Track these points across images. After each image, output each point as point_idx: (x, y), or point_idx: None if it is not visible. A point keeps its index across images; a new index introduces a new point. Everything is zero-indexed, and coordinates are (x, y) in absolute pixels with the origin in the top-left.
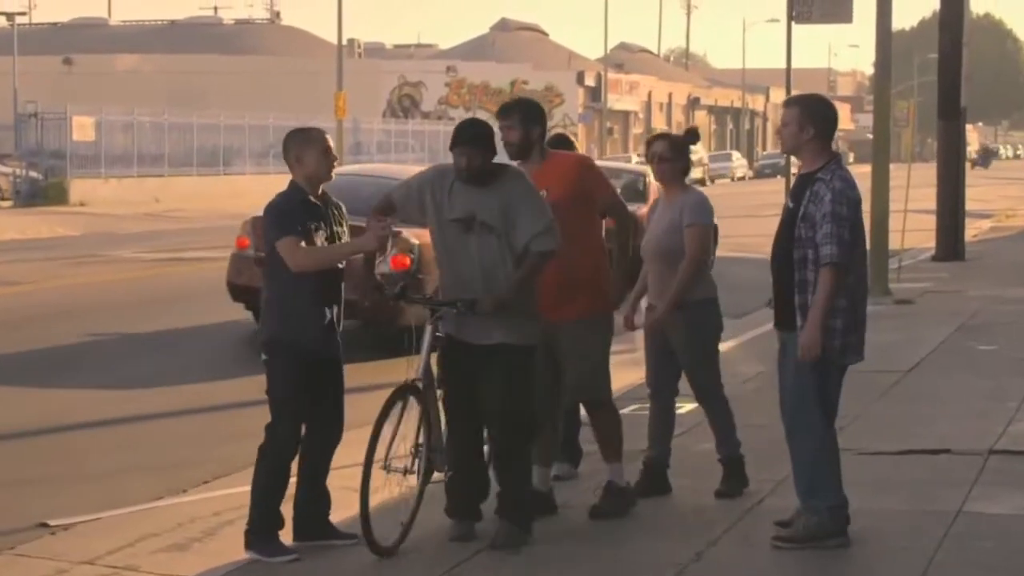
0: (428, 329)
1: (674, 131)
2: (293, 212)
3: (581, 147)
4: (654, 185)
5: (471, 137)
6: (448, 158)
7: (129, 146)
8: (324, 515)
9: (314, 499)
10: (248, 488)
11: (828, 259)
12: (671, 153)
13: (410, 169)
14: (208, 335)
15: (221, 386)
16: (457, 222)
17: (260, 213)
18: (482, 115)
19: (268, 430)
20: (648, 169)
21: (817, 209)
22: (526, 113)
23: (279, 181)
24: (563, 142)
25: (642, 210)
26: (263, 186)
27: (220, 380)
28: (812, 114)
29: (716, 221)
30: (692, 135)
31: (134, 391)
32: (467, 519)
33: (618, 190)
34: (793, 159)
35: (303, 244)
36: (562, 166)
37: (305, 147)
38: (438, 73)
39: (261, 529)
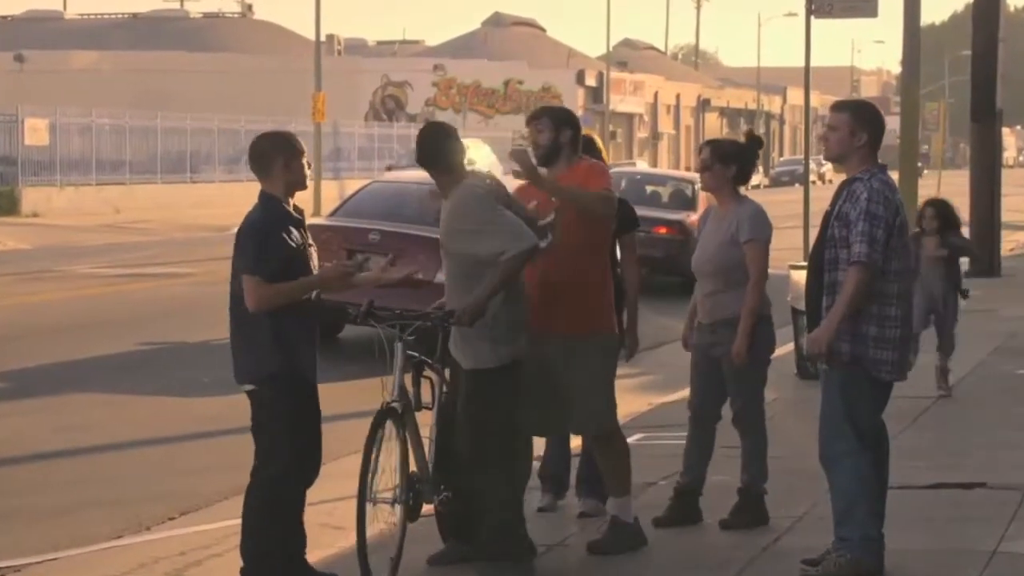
0: (399, 347)
1: (681, 135)
2: (274, 239)
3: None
4: (704, 193)
5: (419, 159)
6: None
7: (87, 151)
8: (300, 555)
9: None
10: (219, 524)
11: (856, 257)
12: (713, 159)
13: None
14: (170, 359)
15: (185, 415)
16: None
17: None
18: (473, 118)
19: (262, 471)
20: (696, 176)
21: (852, 207)
22: (557, 115)
23: (252, 190)
24: (587, 146)
25: (692, 218)
26: (234, 195)
27: (183, 409)
28: (867, 120)
29: None
30: (755, 141)
31: (90, 420)
32: (461, 541)
33: (665, 198)
34: (813, 167)
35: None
36: (578, 174)
37: (294, 152)
38: (425, 72)
39: None
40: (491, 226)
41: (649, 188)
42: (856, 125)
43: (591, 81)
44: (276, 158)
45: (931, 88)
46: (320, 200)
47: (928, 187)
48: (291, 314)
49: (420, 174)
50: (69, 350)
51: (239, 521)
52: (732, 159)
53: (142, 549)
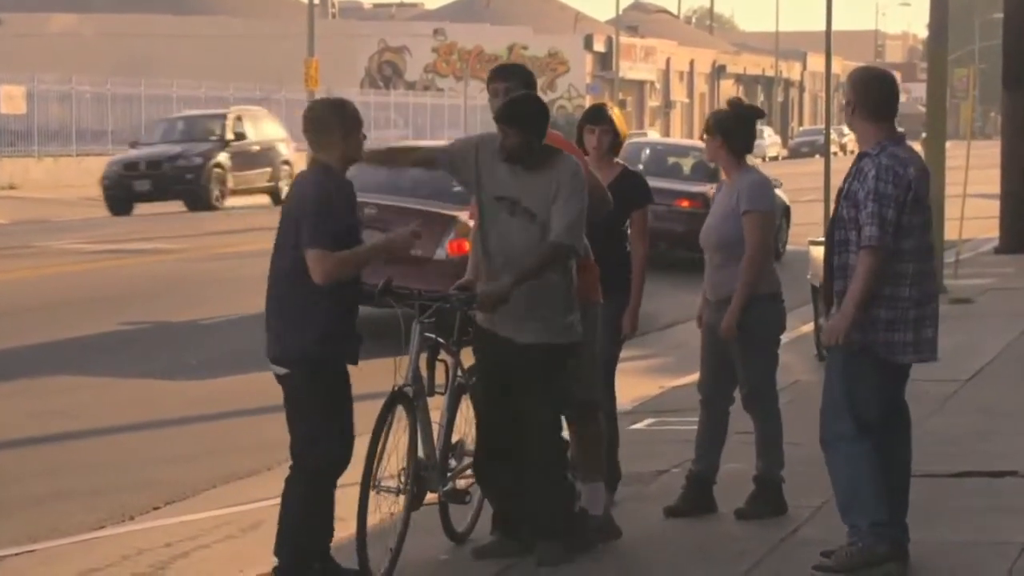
0: (416, 328)
1: (695, 103)
2: (332, 208)
3: None
4: None
5: (511, 115)
6: (436, 136)
7: (66, 120)
8: (328, 551)
9: None
10: (206, 514)
11: (866, 241)
12: (717, 130)
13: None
14: (155, 340)
15: (171, 398)
16: (501, 200)
17: None
18: (475, 85)
19: (303, 462)
20: None
21: (861, 186)
22: (527, 75)
23: None
24: (597, 116)
25: (714, 191)
26: None
27: (169, 392)
28: (857, 89)
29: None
30: (742, 108)
31: (70, 404)
32: (507, 531)
33: (686, 170)
34: (834, 137)
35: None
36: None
37: (355, 123)
38: (424, 37)
39: None
40: (574, 213)
41: (671, 159)
42: (851, 95)
43: (600, 46)
44: (335, 127)
45: (960, 53)
46: None
47: (957, 158)
48: (339, 294)
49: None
50: (47, 330)
51: (228, 511)
52: (735, 128)
53: (125, 540)
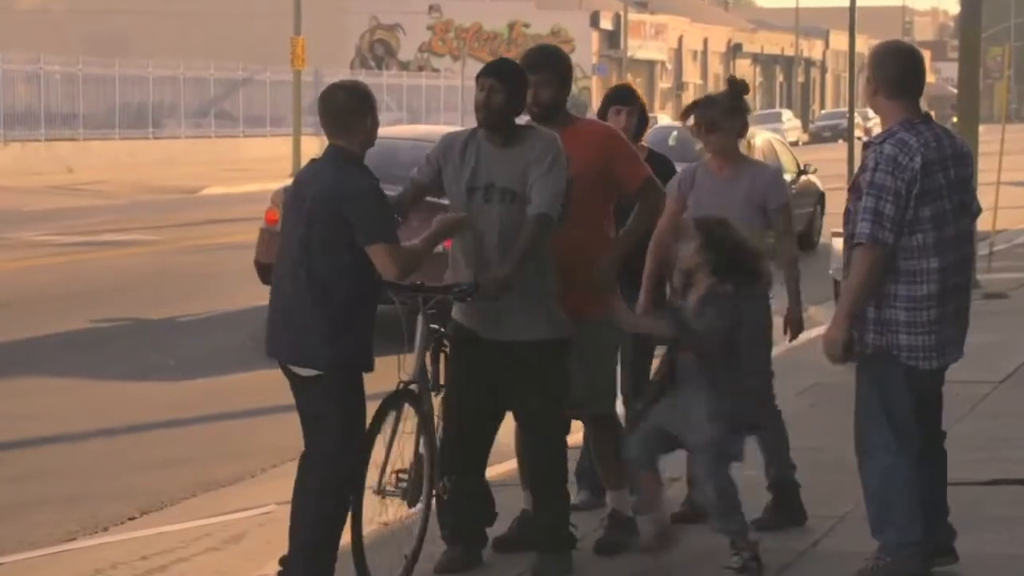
0: (420, 321)
1: (709, 85)
2: (385, 198)
3: (595, 105)
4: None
5: (496, 69)
6: (432, 120)
7: (34, 102)
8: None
9: None
10: (185, 525)
11: (859, 238)
12: (724, 118)
13: (444, 129)
14: (130, 339)
15: (147, 401)
16: (473, 191)
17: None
18: (473, 65)
19: (327, 472)
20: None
21: (863, 178)
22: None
23: (221, 146)
24: (625, 96)
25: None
26: (201, 152)
27: (145, 394)
28: (874, 64)
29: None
30: (740, 86)
31: (39, 407)
32: (468, 543)
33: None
34: (859, 120)
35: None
36: (587, 135)
37: (376, 110)
38: (418, 14)
39: None
40: (559, 171)
41: (700, 144)
42: (869, 72)
43: (607, 24)
44: (365, 115)
45: (994, 30)
46: (300, 158)
47: (991, 143)
48: (369, 296)
49: (413, 130)
50: (15, 328)
51: (209, 521)
52: (737, 114)
53: (98, 553)
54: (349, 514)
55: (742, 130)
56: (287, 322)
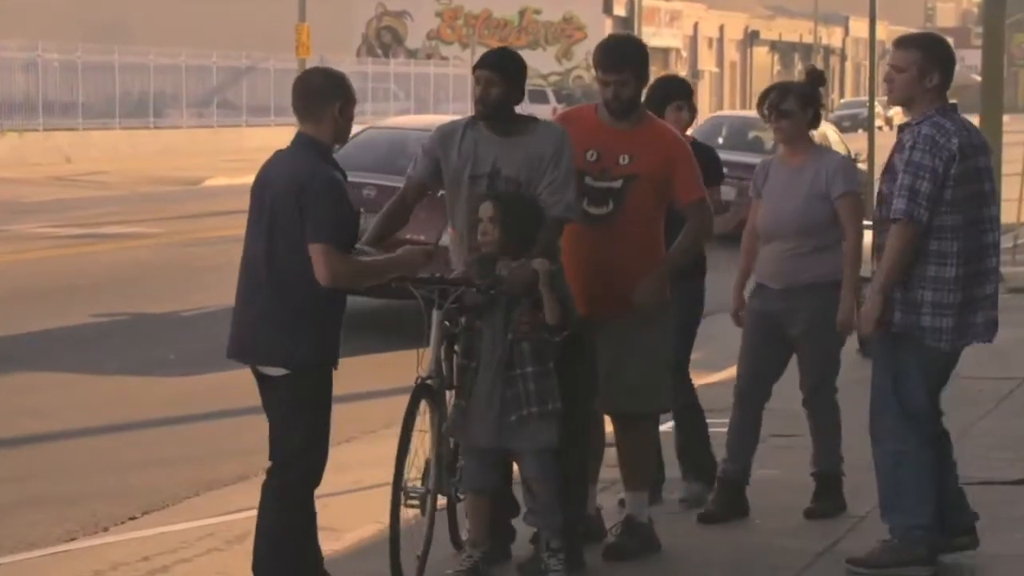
0: (437, 316)
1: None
2: (348, 201)
3: None
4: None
5: (494, 61)
6: (441, 110)
7: (32, 91)
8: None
9: None
10: (187, 525)
11: (894, 214)
12: (797, 106)
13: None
14: (131, 333)
15: (148, 398)
16: (477, 178)
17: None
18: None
19: (287, 474)
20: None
21: (900, 159)
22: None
23: (223, 136)
24: (682, 90)
25: None
26: (203, 143)
27: (146, 391)
28: (939, 59)
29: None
30: (819, 78)
31: (38, 403)
32: (496, 540)
33: (768, 144)
34: (879, 110)
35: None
36: (656, 137)
37: (351, 98)
38: (427, 0)
39: None
40: (571, 170)
41: (751, 133)
42: (927, 65)
43: (620, 10)
44: (333, 100)
45: (1019, 17)
46: None
47: (1015, 133)
48: (335, 291)
49: (420, 120)
50: (12, 322)
51: (211, 521)
52: (810, 102)
53: (98, 553)
54: (388, 513)
55: (814, 120)
56: (250, 321)
